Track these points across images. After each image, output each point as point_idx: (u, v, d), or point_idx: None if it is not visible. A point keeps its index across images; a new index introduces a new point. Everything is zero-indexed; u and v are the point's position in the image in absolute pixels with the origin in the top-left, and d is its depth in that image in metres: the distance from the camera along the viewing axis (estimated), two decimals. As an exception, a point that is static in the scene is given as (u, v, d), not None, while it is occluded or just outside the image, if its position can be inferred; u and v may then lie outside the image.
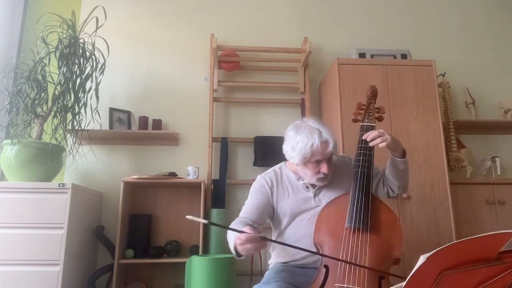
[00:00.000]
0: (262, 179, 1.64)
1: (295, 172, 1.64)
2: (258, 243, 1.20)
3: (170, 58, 3.04)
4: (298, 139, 1.50)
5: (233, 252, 1.30)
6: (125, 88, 2.94)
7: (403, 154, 1.54)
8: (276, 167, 1.70)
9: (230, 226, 1.35)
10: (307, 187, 1.59)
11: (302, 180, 1.60)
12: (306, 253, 1.45)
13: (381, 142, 1.46)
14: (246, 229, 1.21)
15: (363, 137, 1.51)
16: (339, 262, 1.30)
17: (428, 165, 2.45)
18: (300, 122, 1.59)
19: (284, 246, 1.57)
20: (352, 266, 1.29)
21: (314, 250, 1.40)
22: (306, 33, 3.13)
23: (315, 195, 1.58)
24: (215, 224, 1.19)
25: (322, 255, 1.34)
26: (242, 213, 1.54)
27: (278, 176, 1.64)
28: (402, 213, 2.36)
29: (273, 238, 1.67)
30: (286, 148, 1.58)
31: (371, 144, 1.50)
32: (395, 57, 2.76)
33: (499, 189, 2.62)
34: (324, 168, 1.50)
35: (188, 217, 1.14)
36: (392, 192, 1.63)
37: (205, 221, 1.14)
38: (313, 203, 1.56)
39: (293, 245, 1.31)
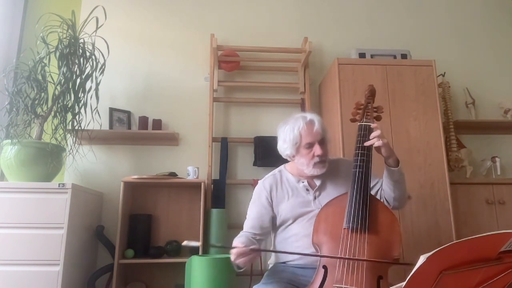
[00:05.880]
0: (261, 186, 1.65)
1: (295, 174, 1.64)
2: (251, 256, 1.31)
3: (170, 58, 3.04)
4: (287, 128, 1.58)
5: (235, 266, 1.39)
6: (125, 88, 2.94)
7: (397, 164, 1.52)
8: (276, 170, 1.70)
9: (234, 241, 1.46)
10: (307, 189, 1.59)
11: (302, 182, 1.61)
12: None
13: (377, 141, 1.46)
14: (236, 243, 1.36)
15: (365, 144, 1.51)
16: (338, 262, 1.30)
17: (428, 165, 2.45)
18: (288, 118, 1.65)
19: (283, 246, 1.57)
20: (351, 267, 1.28)
21: (313, 249, 1.40)
22: (306, 33, 3.12)
23: (314, 198, 1.58)
24: (212, 245, 1.42)
25: (316, 255, 1.34)
26: (245, 227, 1.60)
27: (278, 180, 1.64)
28: (402, 213, 2.35)
29: (273, 238, 1.67)
30: (279, 144, 1.63)
31: (365, 144, 1.50)
32: (395, 57, 2.76)
33: (499, 189, 2.62)
34: (317, 150, 1.53)
35: (184, 243, 1.41)
36: (388, 204, 1.60)
37: (197, 244, 1.37)
38: (313, 206, 1.56)
39: (286, 251, 1.43)
